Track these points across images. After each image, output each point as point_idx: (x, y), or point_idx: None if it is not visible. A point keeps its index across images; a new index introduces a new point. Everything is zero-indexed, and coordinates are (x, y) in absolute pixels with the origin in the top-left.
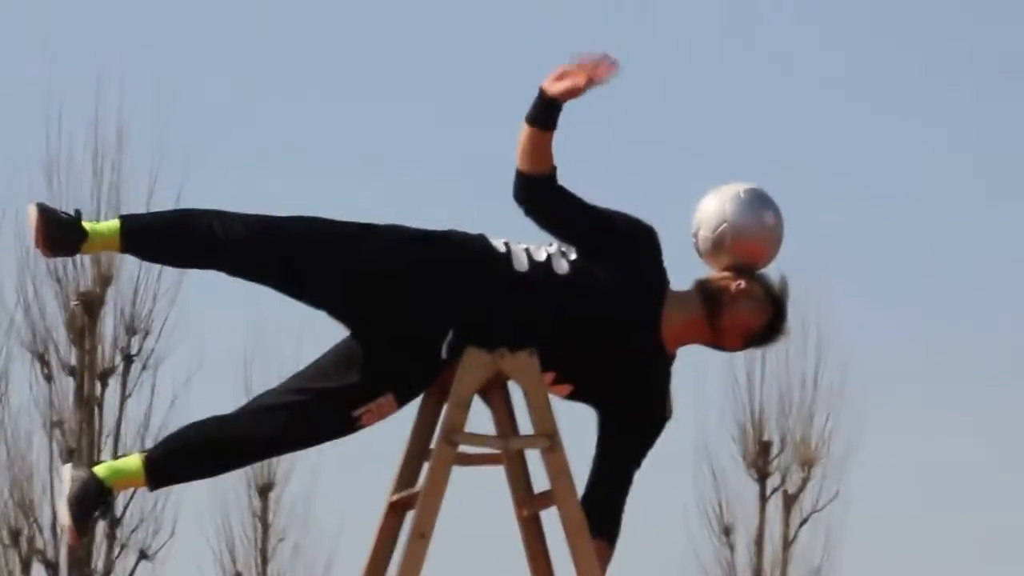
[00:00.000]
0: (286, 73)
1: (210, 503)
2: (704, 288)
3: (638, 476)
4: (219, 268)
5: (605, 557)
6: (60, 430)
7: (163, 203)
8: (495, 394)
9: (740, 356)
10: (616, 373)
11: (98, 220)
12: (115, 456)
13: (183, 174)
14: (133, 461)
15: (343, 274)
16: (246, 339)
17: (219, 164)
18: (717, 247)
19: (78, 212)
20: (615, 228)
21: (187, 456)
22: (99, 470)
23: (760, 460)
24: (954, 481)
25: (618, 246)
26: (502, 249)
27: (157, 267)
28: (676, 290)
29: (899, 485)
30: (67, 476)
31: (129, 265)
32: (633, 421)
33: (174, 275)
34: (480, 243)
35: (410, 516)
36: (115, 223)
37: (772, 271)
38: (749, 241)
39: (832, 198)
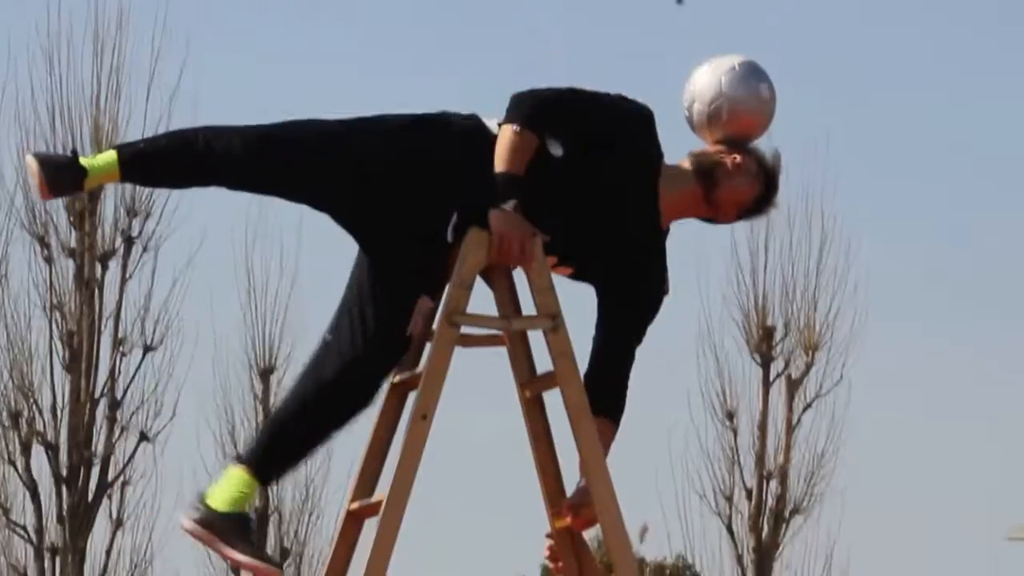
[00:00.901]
0: None
1: (211, 386)
2: (699, 162)
3: (641, 359)
4: (220, 185)
5: (609, 436)
6: (60, 313)
7: (164, 85)
8: (498, 275)
9: (744, 240)
10: (616, 250)
11: (99, 105)
12: (115, 339)
13: (185, 56)
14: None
15: (344, 175)
16: (247, 220)
17: (221, 46)
18: (712, 121)
19: (75, 151)
20: (611, 115)
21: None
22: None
23: (763, 345)
24: (958, 366)
25: (614, 129)
26: (496, 131)
27: None
28: (669, 165)
29: (903, 370)
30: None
31: None
32: (633, 297)
33: None
34: (475, 124)
35: (412, 397)
36: (111, 155)
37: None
38: (744, 114)
39: (838, 82)
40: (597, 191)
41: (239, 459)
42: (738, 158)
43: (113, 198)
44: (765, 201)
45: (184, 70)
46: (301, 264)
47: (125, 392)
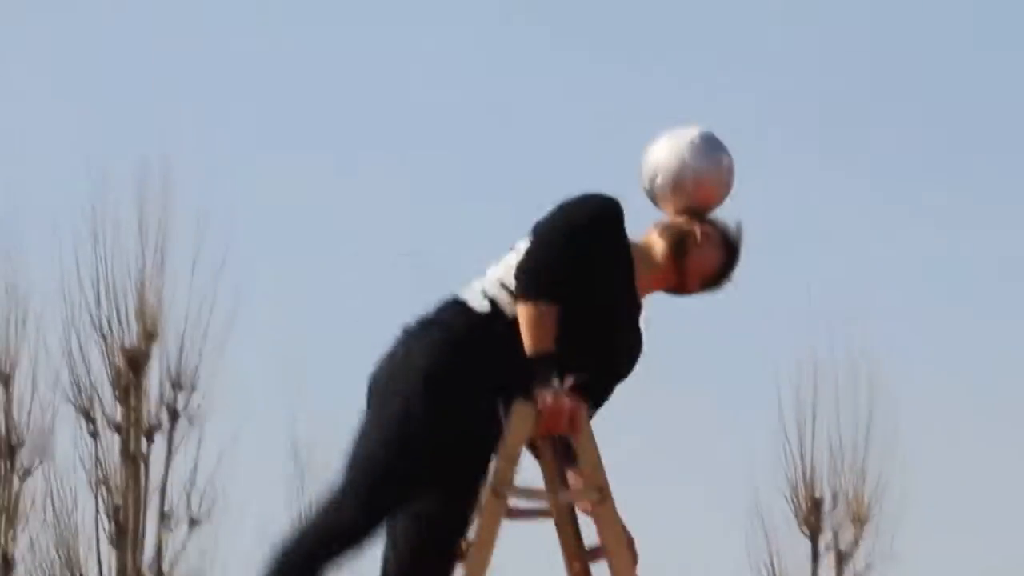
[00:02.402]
0: (326, 145)
1: (257, 560)
2: (669, 233)
3: (690, 532)
4: (360, 552)
5: None
6: (106, 487)
7: (208, 262)
8: (544, 447)
9: (791, 412)
10: (611, 350)
11: (144, 281)
12: (161, 514)
13: (228, 234)
14: None
15: (427, 465)
16: (292, 395)
17: (264, 222)
18: (677, 191)
19: None
20: (597, 236)
21: None
22: None
23: (812, 517)
24: (1010, 536)
25: (600, 247)
26: (485, 307)
27: (204, 322)
28: (636, 243)
29: (954, 544)
30: None
31: (175, 321)
32: (619, 376)
33: (220, 331)
34: (466, 322)
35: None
36: None
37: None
38: (708, 184)
39: (880, 246)
40: (592, 313)
41: None
42: (706, 227)
43: (158, 372)
44: (727, 270)
45: (228, 249)
46: (346, 438)
47: (172, 567)
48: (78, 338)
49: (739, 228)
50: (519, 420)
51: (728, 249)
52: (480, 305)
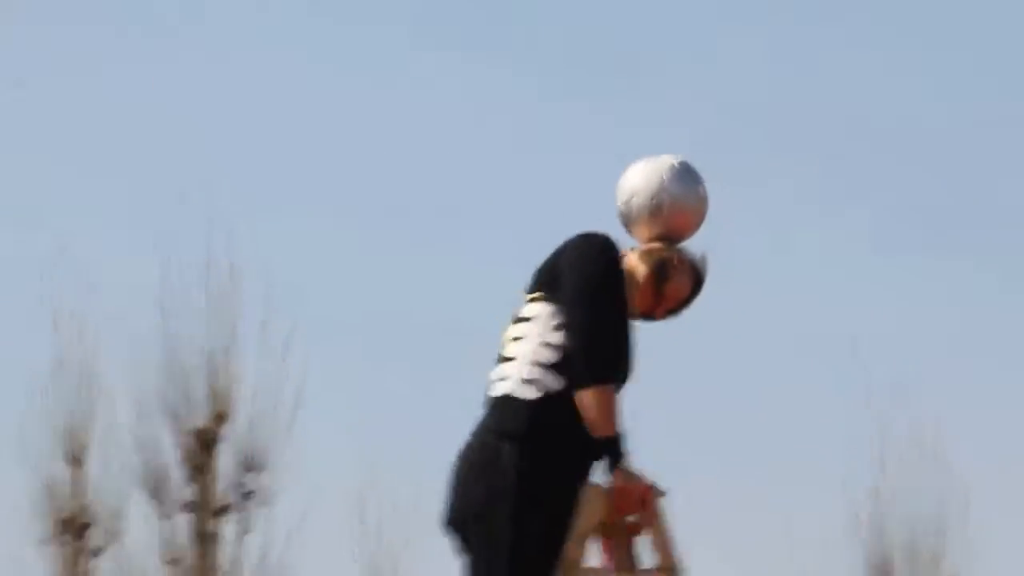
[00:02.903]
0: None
1: None
2: (651, 258)
3: None
4: None
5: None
6: (177, 567)
7: (277, 342)
8: (615, 529)
9: (864, 499)
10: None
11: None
12: None
13: (297, 312)
14: None
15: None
16: (361, 475)
17: (331, 301)
18: (653, 214)
19: None
20: (617, 287)
21: None
22: None
23: None
24: None
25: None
26: (532, 393)
27: (273, 402)
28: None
29: None
30: None
31: (246, 402)
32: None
33: (291, 411)
34: (535, 424)
35: None
36: None
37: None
38: (684, 210)
39: (945, 351)
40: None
41: None
42: (681, 255)
43: (229, 452)
44: (691, 299)
45: (296, 324)
46: (415, 518)
47: None
48: (148, 419)
49: (704, 259)
50: (590, 501)
51: (695, 278)
52: (528, 393)
